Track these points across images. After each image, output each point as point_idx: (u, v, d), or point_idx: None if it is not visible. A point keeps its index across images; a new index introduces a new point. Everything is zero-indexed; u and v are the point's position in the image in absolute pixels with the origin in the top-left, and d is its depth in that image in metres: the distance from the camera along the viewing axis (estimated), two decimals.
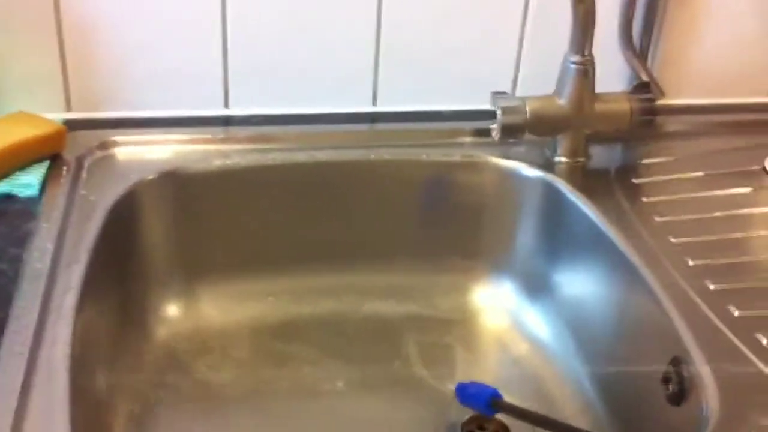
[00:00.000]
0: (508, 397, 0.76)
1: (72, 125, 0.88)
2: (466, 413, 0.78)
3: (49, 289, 0.67)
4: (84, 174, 0.84)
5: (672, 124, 0.97)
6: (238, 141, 0.90)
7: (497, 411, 0.74)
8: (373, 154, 0.89)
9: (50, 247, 0.72)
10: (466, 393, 0.76)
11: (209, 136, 0.90)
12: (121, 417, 0.74)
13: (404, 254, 0.92)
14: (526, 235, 0.89)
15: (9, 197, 0.79)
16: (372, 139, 0.93)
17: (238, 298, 0.90)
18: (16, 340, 0.61)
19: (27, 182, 0.80)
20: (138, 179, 0.83)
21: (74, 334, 0.63)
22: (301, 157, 0.88)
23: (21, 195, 0.79)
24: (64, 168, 0.84)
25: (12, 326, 0.63)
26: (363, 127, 0.95)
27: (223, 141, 0.90)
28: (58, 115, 0.90)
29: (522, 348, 0.87)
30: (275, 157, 0.88)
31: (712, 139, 0.94)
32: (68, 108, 0.92)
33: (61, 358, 0.60)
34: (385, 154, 0.89)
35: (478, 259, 0.92)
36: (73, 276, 0.69)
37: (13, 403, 0.56)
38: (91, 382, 0.67)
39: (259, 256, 0.90)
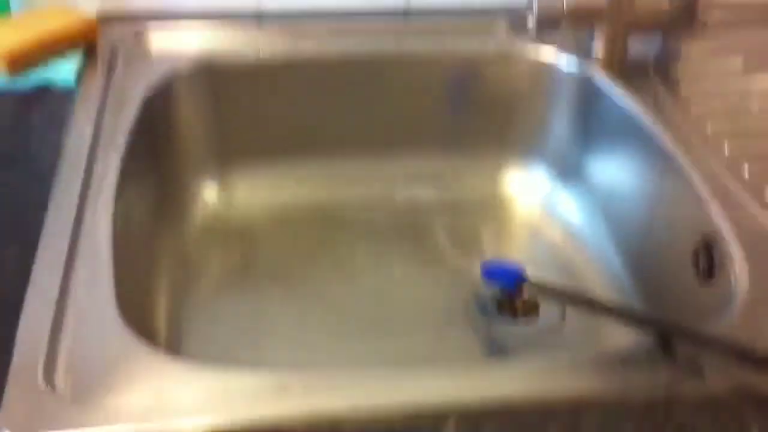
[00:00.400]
0: (539, 278, 0.77)
1: (105, 18, 0.89)
2: (495, 293, 0.79)
3: (89, 174, 0.68)
4: (119, 64, 0.84)
5: (712, 15, 0.94)
6: (271, 33, 0.89)
7: (522, 287, 0.73)
8: (405, 46, 0.88)
9: (88, 132, 0.73)
10: (491, 269, 0.77)
11: (242, 28, 0.89)
12: (161, 294, 0.76)
13: (436, 142, 0.92)
14: (560, 125, 0.89)
15: (46, 86, 0.80)
16: (404, 31, 0.92)
17: (272, 185, 0.91)
18: (59, 220, 0.63)
19: (62, 71, 0.81)
20: (171, 69, 0.83)
21: (115, 214, 0.64)
22: (334, 48, 0.88)
23: (57, 84, 0.80)
24: (99, 58, 0.84)
25: (54, 207, 0.64)
26: (396, 21, 0.94)
27: (256, 33, 0.89)
28: (91, 7, 0.89)
29: (554, 232, 0.88)
30: (307, 49, 0.87)
31: (751, 30, 0.92)
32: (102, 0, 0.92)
33: (103, 236, 0.62)
34: (418, 46, 0.89)
35: (511, 146, 0.92)
36: (112, 160, 0.70)
37: (58, 279, 0.58)
38: (132, 260, 0.68)
39: (292, 144, 0.91)
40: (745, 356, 0.52)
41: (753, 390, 0.51)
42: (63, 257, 0.59)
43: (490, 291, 0.79)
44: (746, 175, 0.70)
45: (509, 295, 0.78)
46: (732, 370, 0.52)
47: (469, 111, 0.91)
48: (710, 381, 0.51)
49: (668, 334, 0.54)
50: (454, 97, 0.90)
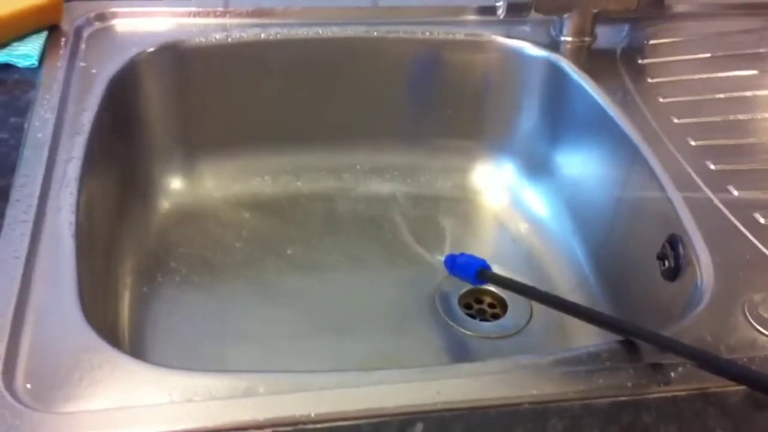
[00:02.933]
0: (504, 273, 0.77)
1: None
2: (463, 287, 0.80)
3: (52, 159, 0.67)
4: (83, 45, 0.83)
5: (681, 5, 0.95)
6: (238, 15, 0.88)
7: (485, 281, 0.74)
8: (375, 31, 0.88)
9: (51, 117, 0.71)
10: (455, 263, 0.77)
11: (208, 9, 0.88)
12: (125, 285, 0.75)
13: (405, 133, 0.92)
14: (528, 116, 0.89)
15: (8, 67, 0.78)
16: (374, 16, 0.91)
17: (239, 173, 0.90)
18: (21, 208, 0.62)
19: (26, 52, 0.79)
20: (137, 51, 0.82)
21: (78, 202, 0.63)
22: (302, 32, 0.87)
23: (20, 65, 0.78)
24: (63, 39, 0.83)
25: (16, 194, 0.63)
26: (365, 3, 0.93)
27: (223, 14, 0.88)
28: None
29: (520, 227, 0.88)
30: (276, 32, 0.86)
31: (720, 21, 0.93)
32: None
33: (66, 225, 0.61)
34: (387, 31, 0.88)
35: (478, 139, 0.92)
36: (76, 146, 0.69)
37: (20, 269, 0.56)
38: (96, 250, 0.67)
39: (259, 132, 0.90)
40: (706, 361, 0.52)
41: (716, 394, 0.51)
42: (24, 252, 0.58)
43: (455, 289, 0.80)
44: (712, 167, 0.71)
45: (477, 293, 0.78)
46: (696, 374, 0.52)
47: (438, 100, 0.90)
48: (675, 384, 0.52)
49: (631, 336, 0.54)
50: (423, 85, 0.90)
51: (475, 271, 0.73)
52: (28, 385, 0.49)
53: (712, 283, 0.60)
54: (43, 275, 0.57)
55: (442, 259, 0.80)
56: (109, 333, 0.54)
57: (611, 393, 0.51)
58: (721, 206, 0.67)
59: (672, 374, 0.52)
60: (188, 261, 0.82)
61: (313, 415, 0.48)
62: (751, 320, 0.56)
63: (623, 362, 0.53)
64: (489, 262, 0.75)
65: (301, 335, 0.75)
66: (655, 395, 0.51)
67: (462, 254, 0.77)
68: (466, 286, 0.79)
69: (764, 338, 0.55)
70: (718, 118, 0.78)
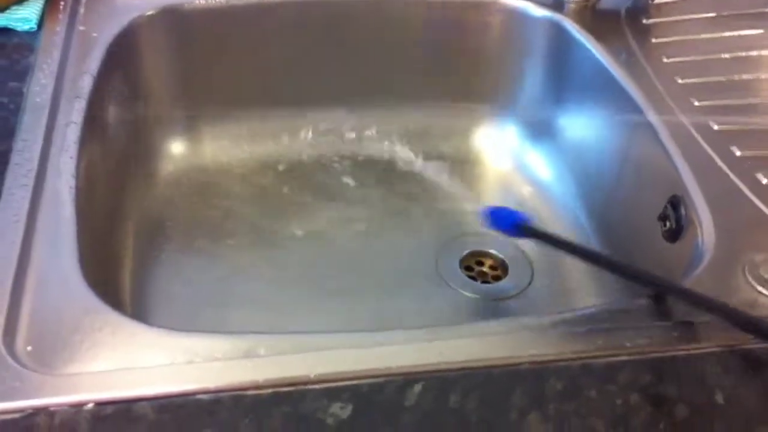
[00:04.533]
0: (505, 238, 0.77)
1: None
2: (464, 249, 0.80)
3: (51, 123, 0.67)
4: (81, 9, 0.82)
5: None
6: None
7: (525, 235, 0.70)
8: None
9: (50, 81, 0.71)
10: (496, 215, 0.73)
11: None
12: (127, 249, 0.75)
13: (407, 96, 0.91)
14: (531, 78, 0.88)
15: (6, 31, 0.78)
16: None
17: (240, 136, 0.90)
18: (20, 172, 0.62)
19: (24, 16, 0.79)
20: (137, 15, 0.81)
21: (78, 166, 0.63)
22: None
23: (19, 29, 0.78)
24: (62, 2, 0.82)
25: (15, 158, 0.63)
26: None
27: None
28: None
29: (523, 190, 0.88)
30: None
31: None
32: None
33: (66, 189, 0.61)
34: None
35: (481, 101, 0.91)
36: (75, 110, 0.68)
37: (20, 233, 0.57)
38: (97, 214, 0.67)
39: (261, 96, 0.89)
40: (740, 321, 0.52)
41: (716, 354, 0.52)
42: (24, 216, 0.58)
43: (457, 252, 0.80)
44: (715, 127, 0.71)
45: (478, 255, 0.78)
46: (699, 334, 0.52)
47: (441, 62, 0.90)
48: (676, 344, 0.52)
49: (663, 292, 0.54)
50: (426, 47, 0.89)
51: (516, 224, 0.70)
52: (29, 348, 0.49)
53: (713, 243, 0.59)
54: (43, 239, 0.57)
55: (448, 220, 0.80)
56: (111, 296, 0.54)
57: (609, 353, 0.51)
58: (723, 167, 0.66)
59: (674, 334, 0.52)
60: (191, 225, 0.82)
61: (312, 375, 0.48)
62: (752, 281, 0.56)
63: (622, 323, 0.53)
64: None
65: (304, 298, 0.75)
66: (655, 354, 0.51)
67: (503, 207, 0.74)
68: (467, 249, 0.79)
69: (765, 298, 0.55)
70: (722, 78, 0.77)
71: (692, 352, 0.52)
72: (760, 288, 0.56)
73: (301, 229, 0.83)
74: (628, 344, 0.52)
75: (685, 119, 0.71)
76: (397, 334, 0.52)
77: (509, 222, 0.70)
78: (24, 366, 0.48)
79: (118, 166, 0.77)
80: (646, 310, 0.54)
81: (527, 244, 0.81)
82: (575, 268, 0.77)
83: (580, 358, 0.51)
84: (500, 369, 0.50)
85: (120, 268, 0.73)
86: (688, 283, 0.56)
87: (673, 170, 0.66)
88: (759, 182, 0.65)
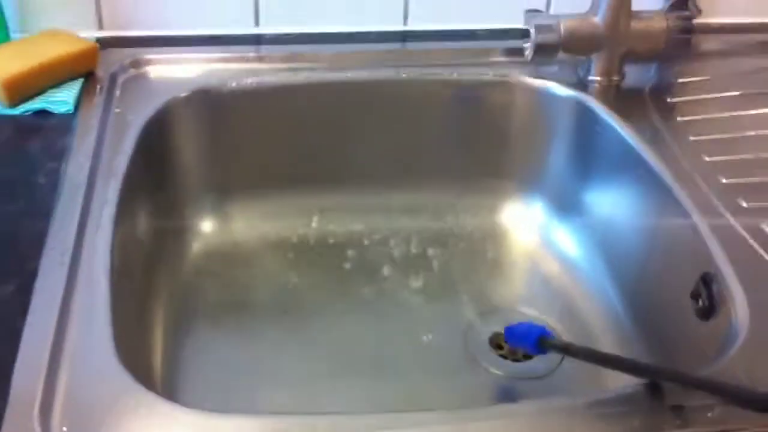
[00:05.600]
0: (535, 313, 0.77)
1: (104, 43, 0.89)
2: (493, 327, 0.79)
3: (87, 203, 0.68)
4: (117, 91, 0.84)
5: (708, 43, 0.95)
6: (270, 60, 0.90)
7: (546, 350, 0.70)
8: (404, 73, 0.89)
9: (87, 161, 0.73)
10: (513, 334, 0.74)
11: (240, 55, 0.90)
12: (157, 331, 0.76)
13: (434, 173, 0.92)
14: (557, 155, 0.89)
15: (45, 113, 0.80)
16: (403, 58, 0.93)
17: (270, 215, 0.91)
18: (57, 251, 0.63)
19: (62, 98, 0.81)
20: (171, 97, 0.83)
21: (113, 245, 0.64)
22: (332, 76, 0.88)
23: (56, 111, 0.80)
24: (98, 86, 0.85)
25: (52, 237, 0.64)
26: (394, 45, 0.94)
27: (254, 60, 0.90)
28: (89, 33, 0.90)
29: (551, 267, 0.88)
30: (306, 75, 0.88)
31: (747, 59, 0.93)
32: (100, 26, 0.92)
33: (101, 268, 0.62)
34: (416, 73, 0.89)
35: (508, 178, 0.92)
36: (110, 190, 0.70)
37: (56, 311, 0.57)
38: (130, 293, 0.68)
39: (290, 174, 0.90)
40: (741, 397, 0.51)
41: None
42: (60, 293, 0.59)
43: (486, 330, 0.79)
44: (744, 207, 0.71)
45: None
46: (714, 414, 0.51)
47: (467, 141, 0.91)
48: (710, 425, 0.51)
49: (658, 378, 0.54)
50: (452, 126, 0.91)
51: (535, 339, 0.69)
52: (65, 428, 0.49)
53: (747, 322, 0.59)
54: (78, 318, 0.58)
55: (476, 299, 0.79)
56: (143, 374, 0.54)
57: None
58: (754, 244, 0.66)
59: (709, 415, 0.52)
60: (220, 302, 0.82)
61: None
62: None
63: (659, 403, 0.52)
64: (521, 303, 0.74)
65: (333, 376, 0.75)
66: None
67: (520, 324, 0.74)
68: (496, 327, 0.79)
69: None
70: (749, 156, 0.77)
71: None
72: None
73: (329, 306, 0.83)
74: (666, 425, 0.51)
75: (713, 197, 0.71)
76: (428, 415, 0.52)
77: (531, 338, 0.70)
78: None
79: (150, 244, 0.78)
80: (682, 389, 0.53)
81: (556, 323, 0.80)
82: (607, 347, 0.77)
83: None
84: None
85: (152, 345, 0.73)
86: (723, 363, 0.56)
87: (704, 247, 0.66)
88: None
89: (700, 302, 0.65)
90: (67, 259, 0.62)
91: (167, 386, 0.70)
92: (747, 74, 0.90)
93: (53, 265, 0.61)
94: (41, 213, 0.67)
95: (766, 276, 0.63)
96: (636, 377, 0.55)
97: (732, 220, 0.69)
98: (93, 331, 0.56)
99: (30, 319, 0.57)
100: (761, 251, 0.65)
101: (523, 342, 0.72)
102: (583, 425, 0.51)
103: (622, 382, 0.56)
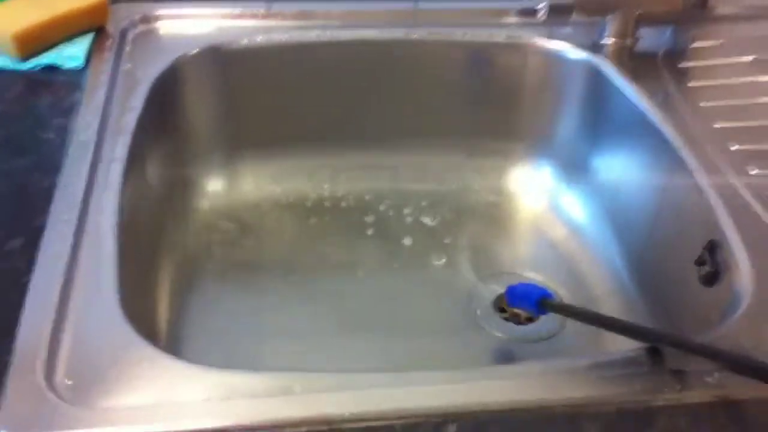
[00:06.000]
0: (540, 278, 0.77)
1: None
2: (497, 290, 0.80)
3: (96, 160, 0.68)
4: (127, 47, 0.84)
5: (725, 6, 0.94)
6: (280, 17, 0.89)
7: (546, 311, 0.71)
8: (415, 33, 0.88)
9: (96, 118, 0.73)
10: (515, 293, 0.74)
11: (251, 11, 0.89)
12: (164, 284, 0.76)
13: (443, 134, 0.92)
14: (568, 118, 0.89)
15: (54, 68, 0.80)
16: (415, 18, 0.92)
17: (278, 174, 0.91)
18: (64, 208, 0.63)
19: (72, 54, 0.81)
20: (181, 54, 0.83)
21: (121, 203, 0.64)
22: (343, 35, 0.88)
23: (66, 66, 0.80)
24: (108, 41, 0.84)
25: (60, 194, 0.64)
26: (406, 5, 0.93)
27: (266, 17, 0.89)
28: None
29: (558, 231, 0.88)
30: (317, 34, 0.87)
31: (764, 23, 0.92)
32: None
33: (108, 225, 0.62)
34: (427, 34, 0.88)
35: (517, 141, 0.92)
36: (119, 147, 0.70)
37: (62, 267, 0.58)
38: (137, 250, 0.68)
39: (299, 134, 0.90)
40: (740, 364, 0.52)
41: (753, 401, 0.51)
42: (67, 249, 0.59)
43: (490, 293, 0.80)
44: (753, 174, 0.70)
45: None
46: (714, 379, 0.52)
47: (477, 102, 0.90)
48: (712, 389, 0.51)
49: (659, 343, 0.54)
50: (462, 87, 0.90)
51: (536, 300, 0.70)
52: (69, 381, 0.50)
53: (751, 289, 0.59)
54: (84, 274, 0.58)
55: (482, 262, 0.79)
56: (148, 330, 0.55)
57: (647, 397, 0.51)
58: (761, 212, 0.66)
59: (708, 380, 0.52)
60: (227, 260, 0.83)
61: (347, 414, 0.48)
62: None
63: (659, 367, 0.53)
64: (526, 267, 0.74)
65: (338, 334, 0.76)
66: (693, 400, 0.51)
67: (521, 284, 0.75)
68: (500, 290, 0.79)
69: None
70: (759, 123, 0.77)
71: (734, 398, 0.51)
72: None
73: (336, 265, 0.84)
74: (666, 389, 0.51)
75: (722, 164, 0.71)
76: (431, 375, 0.52)
77: (531, 299, 0.70)
78: (63, 399, 0.49)
79: (157, 202, 0.79)
80: (683, 354, 0.54)
81: (561, 287, 0.81)
82: (612, 311, 0.77)
83: (617, 403, 0.51)
84: (534, 412, 0.50)
85: (157, 301, 0.74)
86: (725, 328, 0.56)
87: (711, 214, 0.66)
88: None
89: (705, 269, 0.65)
90: (74, 216, 0.62)
91: (172, 342, 0.71)
92: (761, 39, 0.89)
93: (60, 221, 0.62)
94: (49, 169, 0.67)
95: None
96: (636, 341, 0.55)
97: (740, 187, 0.68)
98: (99, 287, 0.57)
99: (36, 274, 0.57)
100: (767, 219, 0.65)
101: (524, 302, 0.72)
102: (584, 387, 0.51)
103: (623, 346, 0.55)
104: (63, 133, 0.71)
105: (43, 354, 0.51)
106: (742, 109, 0.78)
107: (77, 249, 0.60)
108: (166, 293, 0.76)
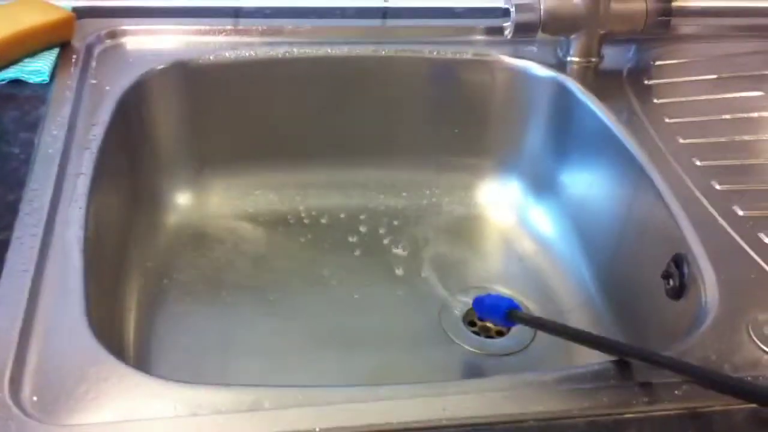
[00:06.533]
0: (509, 292, 0.77)
1: (80, 13, 0.88)
2: (467, 304, 0.80)
3: (61, 174, 0.68)
4: (93, 62, 0.83)
5: (686, 27, 0.96)
6: (248, 33, 0.89)
7: (514, 322, 0.71)
8: (383, 50, 0.88)
9: (61, 132, 0.72)
10: (483, 305, 0.74)
11: (219, 27, 0.89)
12: (132, 299, 0.76)
13: (412, 150, 0.92)
14: (534, 135, 0.89)
15: (19, 83, 0.79)
16: (383, 34, 0.92)
17: (246, 189, 0.91)
18: (30, 222, 0.62)
19: (37, 68, 0.80)
20: (148, 69, 0.83)
21: (87, 217, 0.64)
22: (311, 51, 0.88)
23: (31, 81, 0.79)
24: (74, 56, 0.83)
25: (25, 208, 0.64)
26: (374, 22, 0.94)
27: (233, 33, 0.89)
28: (66, 3, 0.89)
29: (526, 245, 0.89)
30: (285, 50, 0.87)
31: (726, 42, 0.94)
32: None
33: (74, 239, 0.61)
34: (395, 50, 0.89)
35: (485, 157, 0.92)
36: (85, 161, 0.69)
37: (28, 282, 0.57)
38: (104, 264, 0.68)
39: (267, 148, 0.90)
40: (705, 378, 0.52)
41: (721, 412, 0.51)
42: (32, 265, 0.58)
43: (460, 307, 0.80)
44: (717, 187, 0.71)
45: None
46: (681, 391, 0.52)
47: (445, 119, 0.91)
48: (679, 402, 0.52)
49: (627, 356, 0.54)
50: (430, 103, 0.91)
51: (504, 312, 0.70)
52: (35, 397, 0.49)
53: (717, 302, 0.60)
54: (51, 288, 0.57)
55: (451, 278, 0.80)
56: (116, 346, 0.54)
57: (615, 410, 0.51)
58: (726, 226, 0.67)
59: (676, 392, 0.52)
60: (194, 276, 0.82)
61: (317, 429, 0.48)
62: (756, 339, 0.56)
63: (628, 380, 0.53)
64: (496, 281, 0.75)
65: (305, 350, 0.76)
66: (661, 413, 0.51)
67: (489, 295, 0.75)
68: (470, 304, 0.79)
69: None
70: (723, 139, 0.78)
71: (701, 410, 0.52)
72: (763, 346, 0.56)
73: (304, 280, 0.83)
74: (634, 401, 0.52)
75: (687, 178, 0.72)
76: (400, 388, 0.52)
77: (500, 311, 0.70)
78: (29, 416, 0.48)
79: (125, 216, 0.78)
80: (651, 367, 0.54)
81: (530, 301, 0.81)
82: (579, 323, 0.77)
83: (587, 416, 0.51)
84: (505, 425, 0.50)
85: (124, 317, 0.73)
86: (692, 341, 0.57)
87: (676, 228, 0.67)
88: (761, 241, 0.65)
89: (671, 282, 0.66)
90: (40, 230, 0.62)
91: (140, 358, 0.70)
92: (723, 58, 0.90)
93: (26, 236, 0.61)
94: (14, 184, 0.66)
95: (737, 257, 0.64)
96: (605, 354, 0.55)
97: (705, 202, 0.69)
98: (65, 302, 0.56)
99: (2, 289, 0.56)
100: (732, 233, 0.66)
101: (493, 314, 0.72)
102: (554, 400, 0.52)
103: (592, 359, 0.56)
104: (28, 148, 0.70)
105: (9, 370, 0.50)
106: (705, 126, 0.80)
107: (43, 263, 0.59)
108: (134, 308, 0.75)
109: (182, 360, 0.72)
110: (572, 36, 0.87)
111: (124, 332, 0.71)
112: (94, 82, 0.80)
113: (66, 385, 0.50)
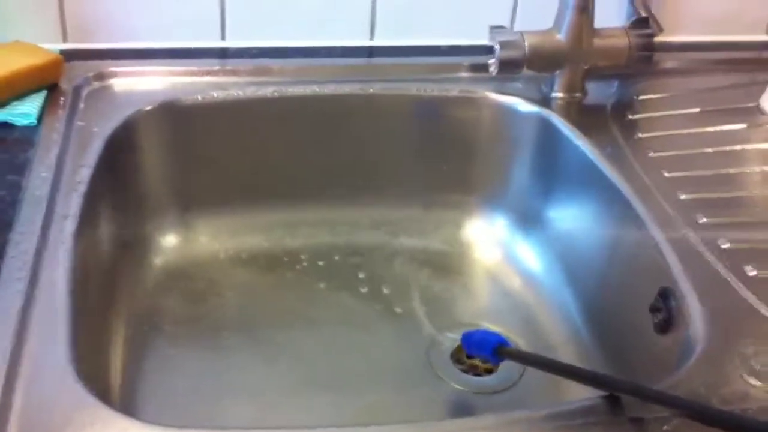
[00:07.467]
0: (497, 328, 0.77)
1: (68, 55, 0.88)
2: (455, 342, 0.80)
3: (49, 216, 0.68)
4: (81, 104, 0.84)
5: (669, 61, 0.97)
6: (235, 73, 0.90)
7: (503, 358, 0.71)
8: (370, 88, 0.89)
9: (49, 175, 0.72)
10: (471, 341, 0.75)
11: (206, 68, 0.89)
12: (118, 342, 0.75)
13: (398, 188, 0.92)
14: (520, 170, 0.90)
15: (7, 126, 0.79)
16: (369, 72, 0.93)
17: (234, 230, 0.90)
18: (16, 265, 0.62)
19: (25, 111, 0.80)
20: (135, 110, 0.83)
21: (74, 259, 0.64)
22: (298, 90, 0.88)
23: (19, 124, 0.79)
24: (62, 98, 0.84)
25: (11, 251, 0.64)
26: (360, 60, 0.95)
27: (220, 73, 0.90)
28: (54, 45, 0.89)
29: (513, 281, 0.88)
30: (272, 90, 0.88)
31: (708, 76, 0.95)
32: (64, 38, 0.92)
33: (61, 282, 0.61)
34: (382, 88, 0.89)
35: (471, 193, 0.93)
36: (72, 203, 0.70)
37: (14, 325, 0.57)
38: (90, 307, 0.67)
39: (255, 188, 0.90)
40: (695, 411, 0.52)
41: None
42: (18, 308, 0.58)
43: (447, 345, 0.80)
44: (702, 222, 0.72)
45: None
46: (671, 426, 0.52)
47: (431, 156, 0.91)
48: None
49: (617, 391, 0.54)
50: (416, 141, 0.91)
51: (492, 347, 0.70)
52: None
53: (705, 335, 0.60)
54: (37, 331, 0.57)
55: (438, 315, 0.80)
56: (102, 390, 0.54)
57: None
58: (711, 259, 0.67)
59: (665, 428, 0.52)
60: (182, 317, 0.82)
61: None
62: (743, 372, 0.56)
63: (618, 415, 0.53)
64: (483, 317, 0.74)
65: (295, 391, 0.75)
66: None
67: (477, 330, 0.76)
68: (458, 341, 0.79)
69: (756, 390, 0.55)
70: (707, 172, 0.78)
71: None
72: (751, 380, 0.56)
73: (293, 321, 0.83)
74: None
75: (672, 212, 0.72)
76: (390, 428, 0.52)
77: (488, 347, 0.70)
78: None
79: (112, 258, 0.78)
80: (642, 402, 0.54)
81: (518, 337, 0.81)
82: (567, 358, 0.77)
83: None
84: None
85: (111, 359, 0.73)
86: (681, 375, 0.57)
87: (663, 262, 0.67)
88: (746, 274, 0.65)
89: (659, 316, 0.66)
90: (26, 273, 0.61)
91: (127, 402, 0.70)
92: (706, 92, 0.91)
93: (12, 279, 0.61)
94: (1, 226, 0.66)
95: (723, 290, 0.64)
96: (594, 388, 0.55)
97: (690, 235, 0.70)
98: (51, 345, 0.56)
99: None
100: (718, 266, 0.66)
101: (481, 350, 0.72)
102: None
103: (581, 394, 0.56)
104: (15, 190, 0.71)
105: None
106: (689, 159, 0.80)
107: (29, 306, 0.59)
108: (120, 351, 0.75)
109: (169, 403, 0.72)
110: (556, 72, 0.88)
111: (110, 375, 0.71)
112: (81, 123, 0.81)
113: (51, 430, 0.49)
